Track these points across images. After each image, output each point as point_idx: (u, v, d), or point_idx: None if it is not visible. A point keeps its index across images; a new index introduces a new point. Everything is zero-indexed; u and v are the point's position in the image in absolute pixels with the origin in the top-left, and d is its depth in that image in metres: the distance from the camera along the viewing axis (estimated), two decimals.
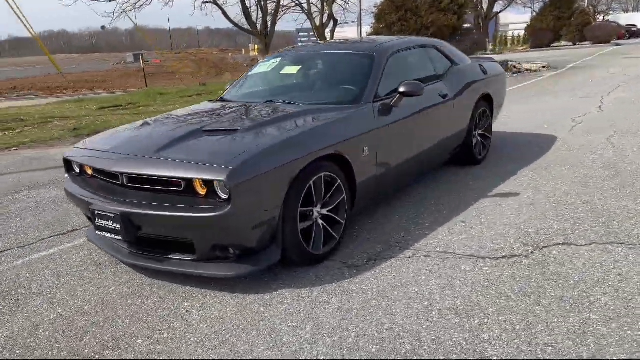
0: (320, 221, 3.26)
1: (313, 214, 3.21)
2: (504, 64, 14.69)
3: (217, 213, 2.72)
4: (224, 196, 2.75)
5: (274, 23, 16.98)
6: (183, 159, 2.93)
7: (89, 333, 2.62)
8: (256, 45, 17.54)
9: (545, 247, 3.31)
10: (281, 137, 3.11)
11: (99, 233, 3.12)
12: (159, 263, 3.05)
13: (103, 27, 64.44)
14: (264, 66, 4.74)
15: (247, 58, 30.82)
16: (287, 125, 3.33)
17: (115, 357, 2.42)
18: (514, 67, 15.90)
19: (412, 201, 4.33)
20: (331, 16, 18.88)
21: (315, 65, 4.57)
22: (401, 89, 3.86)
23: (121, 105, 12.58)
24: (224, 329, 2.60)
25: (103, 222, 3.01)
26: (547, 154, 5.58)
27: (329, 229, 3.32)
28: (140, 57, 24.54)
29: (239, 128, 3.29)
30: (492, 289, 2.82)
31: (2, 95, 18.79)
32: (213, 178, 2.74)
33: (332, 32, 19.48)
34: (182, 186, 2.86)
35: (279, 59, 4.69)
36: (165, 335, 2.57)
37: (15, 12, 21.93)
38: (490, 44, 31.17)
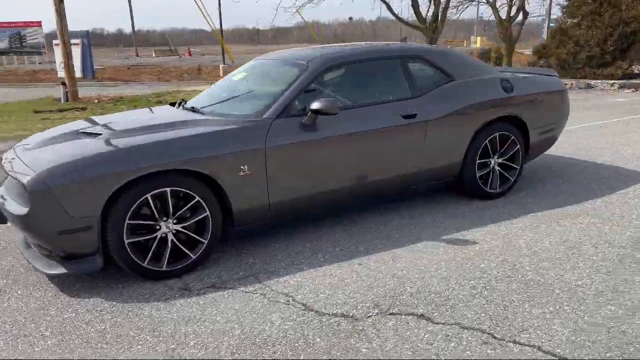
0: (170, 236, 3.17)
1: (160, 228, 3.14)
2: None
3: (18, 213, 2.89)
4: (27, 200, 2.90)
5: (443, 17, 16.08)
6: (30, 160, 3.15)
7: None
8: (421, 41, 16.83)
9: (391, 314, 2.69)
10: (110, 149, 3.10)
11: None
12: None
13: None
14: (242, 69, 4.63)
15: None
16: (139, 138, 3.23)
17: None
18: None
19: (317, 233, 3.87)
20: (521, 8, 16.97)
21: (257, 73, 4.32)
22: (312, 106, 3.46)
23: None
24: None
25: None
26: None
27: (182, 247, 3.21)
28: None
29: (101, 133, 3.37)
30: (279, 344, 2.44)
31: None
32: (21, 181, 2.91)
33: (521, 25, 17.51)
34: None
35: (251, 63, 4.56)
36: None
37: (200, 10, 24.61)
38: None
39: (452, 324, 2.58)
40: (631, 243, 3.47)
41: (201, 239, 3.26)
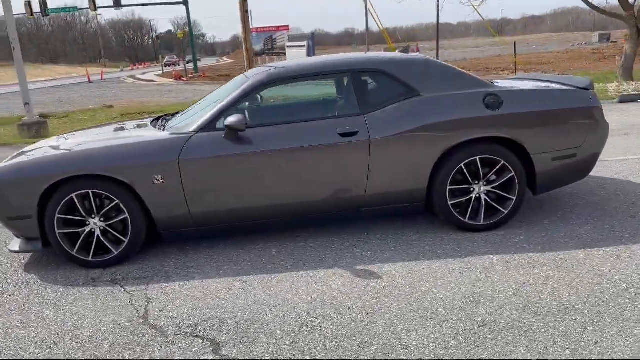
0: (97, 232, 3.67)
1: (88, 224, 3.67)
2: None
3: None
4: None
5: None
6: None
7: None
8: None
9: (195, 336, 2.72)
10: (47, 156, 3.71)
11: None
12: None
13: None
14: None
15: None
16: (77, 148, 3.78)
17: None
18: None
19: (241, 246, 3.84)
20: None
21: (228, 86, 4.39)
22: (225, 122, 3.56)
23: None
24: None
25: None
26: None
27: (106, 243, 3.67)
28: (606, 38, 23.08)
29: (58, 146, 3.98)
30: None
31: None
32: None
33: None
34: None
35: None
36: None
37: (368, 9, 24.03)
38: None
39: (235, 359, 2.50)
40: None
41: (123, 238, 3.68)
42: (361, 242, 3.84)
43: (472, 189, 3.83)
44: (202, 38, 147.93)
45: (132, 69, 65.22)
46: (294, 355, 2.48)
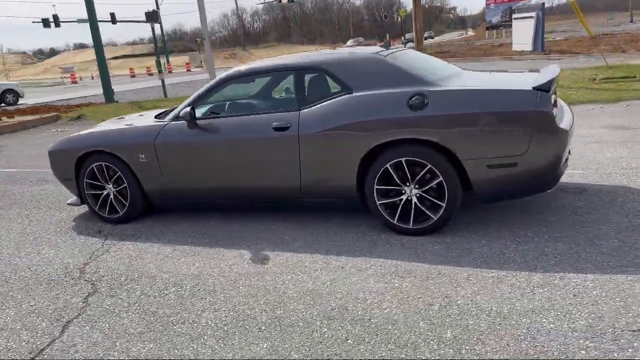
0: (111, 195, 4.75)
1: (106, 188, 4.76)
2: None
3: None
4: None
5: None
6: None
7: None
8: None
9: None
10: (81, 134, 4.83)
11: None
12: None
13: None
14: None
15: None
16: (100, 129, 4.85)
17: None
18: None
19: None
20: None
21: None
22: (179, 113, 4.21)
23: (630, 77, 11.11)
24: None
25: None
26: None
27: (115, 205, 4.72)
28: None
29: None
30: None
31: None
32: None
33: None
34: None
35: None
36: None
37: None
38: None
39: (103, 294, 3.23)
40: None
41: (125, 202, 4.67)
42: (295, 229, 4.09)
43: (403, 191, 3.72)
44: (452, 12, 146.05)
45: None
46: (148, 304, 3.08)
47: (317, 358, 2.42)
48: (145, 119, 4.82)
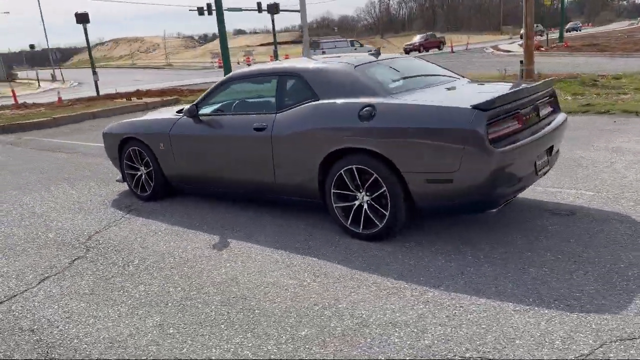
0: (143, 177, 5.52)
1: (140, 170, 5.55)
2: None
3: None
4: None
5: None
6: None
7: None
8: None
9: None
10: (125, 121, 5.63)
11: None
12: None
13: None
14: None
15: None
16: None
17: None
18: None
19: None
20: None
21: None
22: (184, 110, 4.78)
23: None
24: None
25: None
26: None
27: (149, 180, 5.46)
28: None
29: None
30: None
31: None
32: None
33: None
34: None
35: None
36: None
37: None
38: None
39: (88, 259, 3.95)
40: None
41: (151, 184, 5.39)
42: (269, 223, 4.45)
43: (357, 197, 3.88)
44: None
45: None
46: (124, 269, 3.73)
47: (185, 332, 2.81)
48: (170, 113, 5.49)
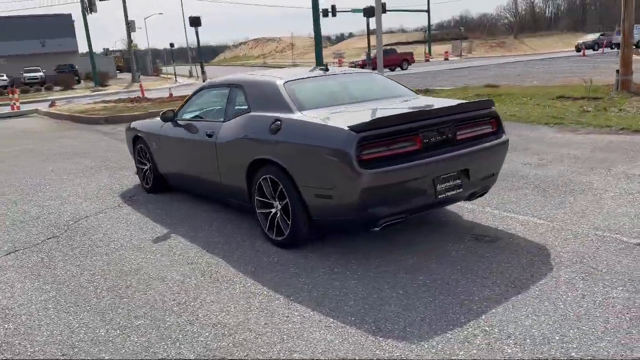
0: (148, 172, 6.21)
1: (145, 164, 6.25)
2: None
3: None
4: None
5: None
6: None
7: None
8: None
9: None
10: (140, 121, 6.32)
11: None
12: None
13: None
14: None
15: None
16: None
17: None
18: None
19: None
20: None
21: None
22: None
23: None
24: None
25: None
26: None
27: (151, 174, 6.15)
28: None
29: None
30: None
31: None
32: None
33: None
34: None
35: None
36: None
37: None
38: None
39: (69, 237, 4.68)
40: None
41: (150, 180, 6.05)
42: (229, 221, 4.81)
43: (273, 205, 4.10)
44: None
45: None
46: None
47: (66, 303, 3.30)
48: None
